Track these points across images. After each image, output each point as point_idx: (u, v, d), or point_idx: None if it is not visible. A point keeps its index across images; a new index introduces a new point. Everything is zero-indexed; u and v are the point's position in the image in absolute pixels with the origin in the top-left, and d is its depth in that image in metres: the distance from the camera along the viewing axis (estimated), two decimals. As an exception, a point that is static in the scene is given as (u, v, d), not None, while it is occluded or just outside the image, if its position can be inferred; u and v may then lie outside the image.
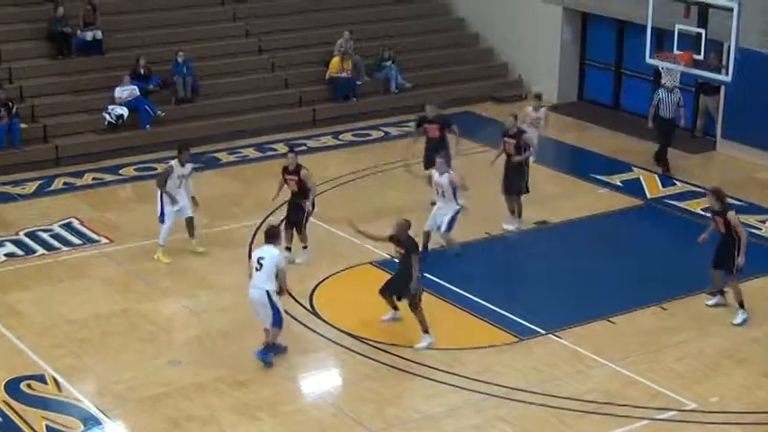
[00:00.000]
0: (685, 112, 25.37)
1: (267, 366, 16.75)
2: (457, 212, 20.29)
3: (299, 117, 28.38)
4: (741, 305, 18.42)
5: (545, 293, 19.57)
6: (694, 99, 27.57)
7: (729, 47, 22.08)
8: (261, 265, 16.62)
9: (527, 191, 21.81)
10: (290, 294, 18.94)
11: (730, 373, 16.84)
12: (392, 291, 17.73)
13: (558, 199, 23.53)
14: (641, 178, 24.83)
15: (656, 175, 24.91)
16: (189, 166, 20.61)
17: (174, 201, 20.27)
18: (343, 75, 29.00)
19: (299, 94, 28.94)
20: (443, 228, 20.30)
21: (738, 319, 18.31)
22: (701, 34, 22.39)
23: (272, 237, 16.99)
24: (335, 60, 28.97)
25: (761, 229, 22.12)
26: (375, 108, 29.22)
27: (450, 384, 16.45)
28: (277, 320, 16.76)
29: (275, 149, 26.41)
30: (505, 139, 21.79)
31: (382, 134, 27.79)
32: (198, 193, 23.46)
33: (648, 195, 23.95)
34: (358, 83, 29.36)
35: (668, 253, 21.20)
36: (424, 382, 16.53)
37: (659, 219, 23.00)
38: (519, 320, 18.29)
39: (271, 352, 16.91)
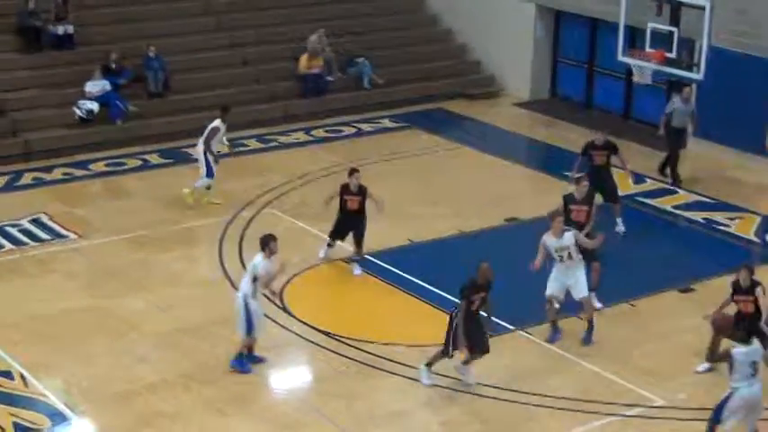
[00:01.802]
0: (697, 122, 24.67)
1: (245, 372, 16.61)
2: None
3: (270, 113, 28.28)
4: None
5: (515, 290, 19.53)
6: (666, 97, 27.61)
7: (701, 45, 22.15)
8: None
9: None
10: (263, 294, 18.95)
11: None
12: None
13: (530, 195, 23.53)
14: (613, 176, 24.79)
15: (629, 173, 24.88)
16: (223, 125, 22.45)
17: (217, 159, 22.33)
18: (314, 71, 28.92)
19: (270, 89, 28.84)
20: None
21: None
22: (673, 33, 22.46)
23: (262, 244, 16.75)
24: (304, 57, 28.89)
25: (730, 227, 22.16)
26: (347, 104, 29.14)
27: (419, 381, 16.42)
28: (247, 327, 16.54)
29: (247, 145, 26.34)
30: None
31: (354, 130, 27.74)
32: (169, 188, 23.52)
33: (620, 192, 23.93)
34: (329, 79, 29.30)
35: (638, 250, 21.22)
36: (394, 378, 16.50)
37: (630, 216, 22.97)
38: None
39: (243, 360, 16.66)
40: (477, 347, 16.01)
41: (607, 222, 20.86)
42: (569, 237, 17.27)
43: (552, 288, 17.49)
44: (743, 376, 14.21)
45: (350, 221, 19.75)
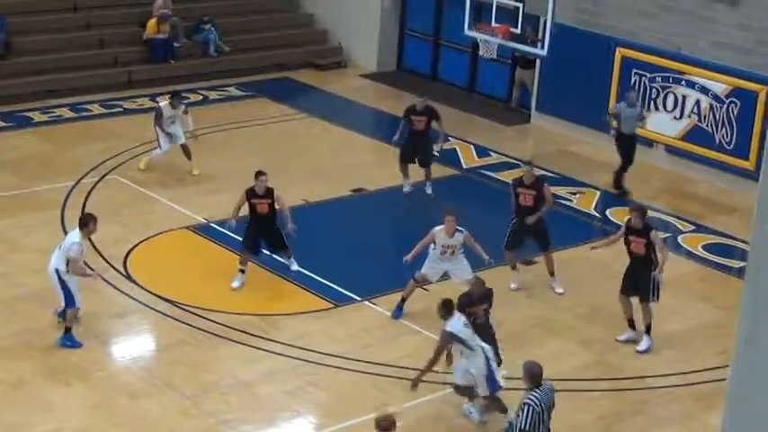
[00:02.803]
0: (645, 124, 23.39)
1: (75, 347, 16.32)
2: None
3: (114, 78, 27.81)
4: (648, 330, 17.13)
5: (360, 261, 19.68)
6: (510, 72, 28.02)
7: (546, 21, 22.50)
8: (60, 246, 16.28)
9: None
10: (103, 258, 18.72)
11: (539, 341, 17.20)
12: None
13: (375, 167, 23.65)
14: (457, 149, 25.11)
15: (471, 146, 25.23)
16: (181, 108, 22.68)
17: (171, 138, 22.53)
18: (160, 36, 28.55)
19: (114, 54, 28.38)
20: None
21: (643, 346, 17.12)
22: (518, 8, 22.76)
23: (82, 223, 16.47)
24: (152, 22, 28.49)
25: (572, 201, 22.61)
26: (193, 71, 28.84)
27: (265, 350, 16.44)
28: (68, 300, 16.28)
29: (90, 110, 25.92)
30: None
31: (201, 98, 27.47)
32: (11, 152, 23.01)
33: (464, 165, 24.27)
34: (176, 45, 28.95)
35: (482, 222, 21.46)
36: (240, 347, 16.47)
37: (473, 189, 23.31)
38: (335, 287, 18.37)
39: (71, 337, 16.36)
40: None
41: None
42: (459, 237, 17.29)
43: (428, 270, 17.47)
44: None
45: (262, 228, 18.50)
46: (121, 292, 17.94)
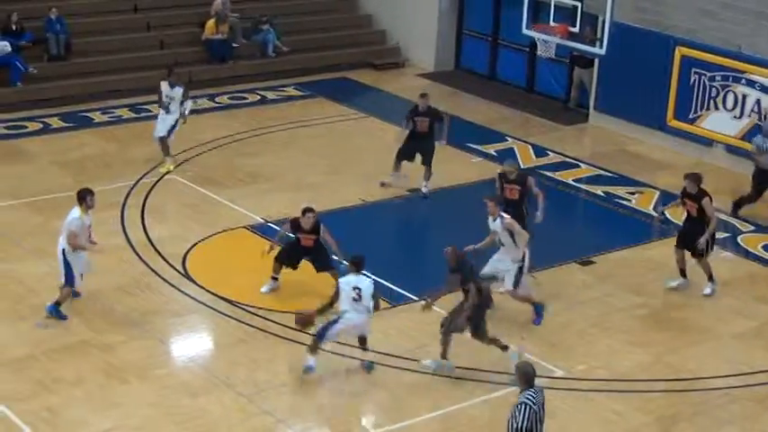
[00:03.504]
0: None
1: (61, 320, 16.79)
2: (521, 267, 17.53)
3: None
4: (710, 278, 18.67)
5: (417, 260, 19.68)
6: (569, 71, 27.92)
7: (604, 20, 22.39)
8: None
9: None
10: (162, 258, 18.87)
11: (596, 342, 17.14)
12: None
13: (433, 167, 23.62)
14: (515, 148, 25.07)
15: (529, 146, 25.17)
16: (177, 91, 22.72)
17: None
18: (219, 37, 28.71)
19: (174, 55, 28.58)
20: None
21: (707, 290, 18.63)
22: (576, 7, 22.67)
23: (79, 198, 17.12)
24: (211, 22, 28.66)
25: (630, 201, 22.49)
26: (252, 72, 28.98)
27: (323, 350, 16.45)
28: (68, 279, 16.85)
29: (150, 111, 26.07)
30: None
31: (258, 98, 27.61)
32: (70, 152, 23.26)
33: (522, 165, 24.15)
34: (234, 45, 29.10)
35: (540, 223, 21.42)
36: (297, 347, 16.49)
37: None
38: (391, 286, 18.37)
39: (59, 310, 16.91)
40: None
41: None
42: (497, 223, 17.23)
43: (486, 268, 17.45)
44: (347, 302, 15.52)
45: (305, 252, 18.03)
46: (181, 291, 18.05)
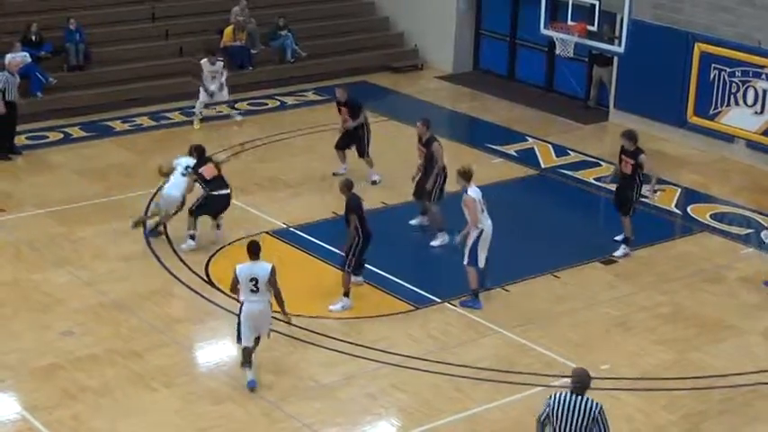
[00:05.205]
0: None
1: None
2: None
3: (193, 86, 28.01)
4: (625, 241, 19.67)
5: (440, 262, 19.69)
6: (588, 69, 27.88)
7: (622, 18, 22.34)
8: None
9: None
10: (185, 264, 18.92)
11: (620, 341, 17.12)
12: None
13: (452, 168, 23.52)
14: (535, 148, 25.06)
15: (549, 145, 25.15)
16: (219, 65, 25.75)
17: (210, 93, 25.81)
18: (237, 43, 28.77)
19: (193, 62, 28.62)
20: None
21: (619, 253, 19.64)
22: (594, 5, 22.61)
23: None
24: (229, 29, 28.73)
25: (651, 199, 22.41)
26: (271, 77, 29.06)
27: (346, 353, 16.51)
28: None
29: (170, 118, 26.20)
30: None
31: (278, 103, 27.66)
32: (92, 161, 23.36)
33: (542, 165, 24.19)
34: (253, 52, 29.16)
35: (561, 222, 21.45)
36: (322, 351, 16.55)
37: (553, 188, 23.23)
38: (415, 289, 18.39)
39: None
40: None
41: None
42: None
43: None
44: (245, 292, 15.35)
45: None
46: (204, 297, 18.11)
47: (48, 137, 24.88)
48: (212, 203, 19.59)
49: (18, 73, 24.59)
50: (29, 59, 26.15)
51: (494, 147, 25.00)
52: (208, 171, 19.63)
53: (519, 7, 29.55)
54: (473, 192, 17.79)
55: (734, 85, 24.19)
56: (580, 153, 24.87)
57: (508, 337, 17.04)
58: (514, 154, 24.65)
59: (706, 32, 24.59)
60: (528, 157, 24.47)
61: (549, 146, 25.20)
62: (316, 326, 17.16)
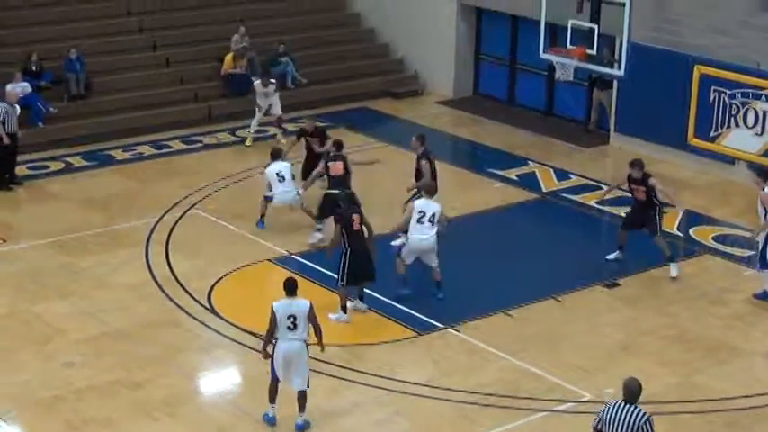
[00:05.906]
0: None
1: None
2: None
3: (194, 114, 28.14)
4: (671, 259, 20.08)
5: (443, 287, 19.65)
6: (588, 93, 27.91)
7: (621, 42, 22.36)
8: None
9: None
10: (187, 293, 18.90)
11: (624, 364, 17.07)
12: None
13: (454, 193, 23.62)
14: (536, 172, 25.07)
15: (551, 169, 25.15)
16: (271, 87, 26.62)
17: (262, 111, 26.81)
18: (238, 71, 28.82)
19: (194, 90, 28.71)
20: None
21: (674, 272, 19.92)
22: (593, 29, 22.63)
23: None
24: (229, 57, 28.78)
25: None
26: (272, 104, 29.07)
27: (350, 380, 16.48)
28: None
29: (171, 147, 26.23)
30: None
31: (280, 130, 27.63)
32: (93, 191, 23.37)
33: (544, 189, 24.19)
34: (253, 79, 29.15)
35: (563, 246, 21.43)
36: (325, 378, 16.50)
37: (554, 212, 23.23)
38: (417, 315, 18.37)
39: None
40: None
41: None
42: None
43: None
44: (281, 330, 14.92)
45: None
46: (206, 326, 18.09)
47: (49, 166, 24.90)
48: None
49: (19, 103, 24.67)
50: (29, 89, 26.19)
51: (495, 171, 25.02)
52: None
53: (518, 32, 29.60)
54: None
55: (734, 106, 24.17)
56: (581, 176, 24.87)
57: (512, 362, 17.01)
58: (516, 178, 24.66)
59: (705, 55, 24.60)
60: (529, 182, 24.48)
61: (551, 170, 25.21)
62: (318, 354, 17.05)
